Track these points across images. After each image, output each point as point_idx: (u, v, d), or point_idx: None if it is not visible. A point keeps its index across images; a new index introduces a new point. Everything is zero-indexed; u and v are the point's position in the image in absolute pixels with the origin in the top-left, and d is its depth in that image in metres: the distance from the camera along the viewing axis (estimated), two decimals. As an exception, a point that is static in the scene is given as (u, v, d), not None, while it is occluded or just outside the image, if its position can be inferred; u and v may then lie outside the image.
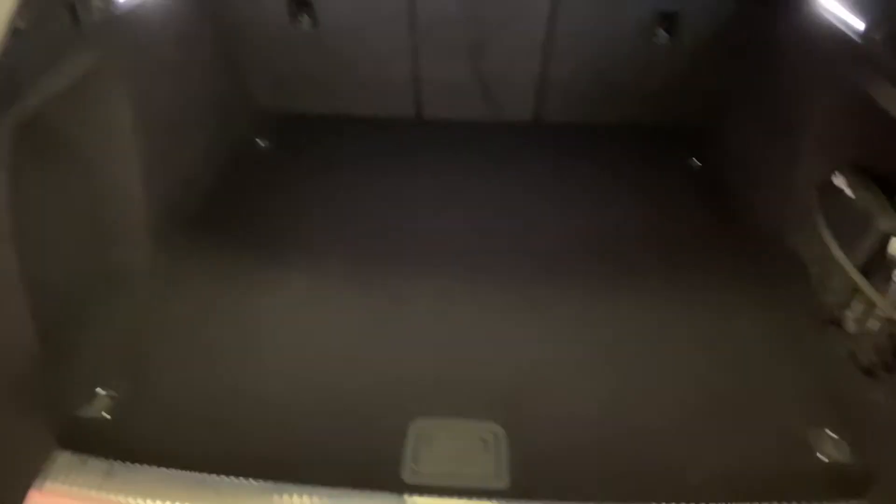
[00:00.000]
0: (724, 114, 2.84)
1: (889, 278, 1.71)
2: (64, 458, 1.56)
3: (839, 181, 1.99)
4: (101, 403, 1.73)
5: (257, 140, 2.94)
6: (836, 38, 2.06)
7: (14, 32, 1.40)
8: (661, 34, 2.70)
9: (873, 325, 1.78)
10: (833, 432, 1.75)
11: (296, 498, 1.53)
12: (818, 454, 1.71)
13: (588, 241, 2.44)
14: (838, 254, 1.86)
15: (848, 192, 1.94)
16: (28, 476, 1.52)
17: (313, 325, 2.07)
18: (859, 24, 1.96)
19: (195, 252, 2.31)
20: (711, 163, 2.85)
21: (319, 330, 2.04)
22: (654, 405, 1.84)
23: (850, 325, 1.87)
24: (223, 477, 1.57)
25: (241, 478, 1.57)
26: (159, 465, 1.58)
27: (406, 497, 1.55)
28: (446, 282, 2.22)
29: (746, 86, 2.68)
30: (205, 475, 1.57)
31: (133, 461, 1.58)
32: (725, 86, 2.80)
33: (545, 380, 1.90)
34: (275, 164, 2.84)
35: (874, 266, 1.80)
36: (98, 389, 1.76)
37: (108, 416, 1.71)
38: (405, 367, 1.92)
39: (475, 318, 2.09)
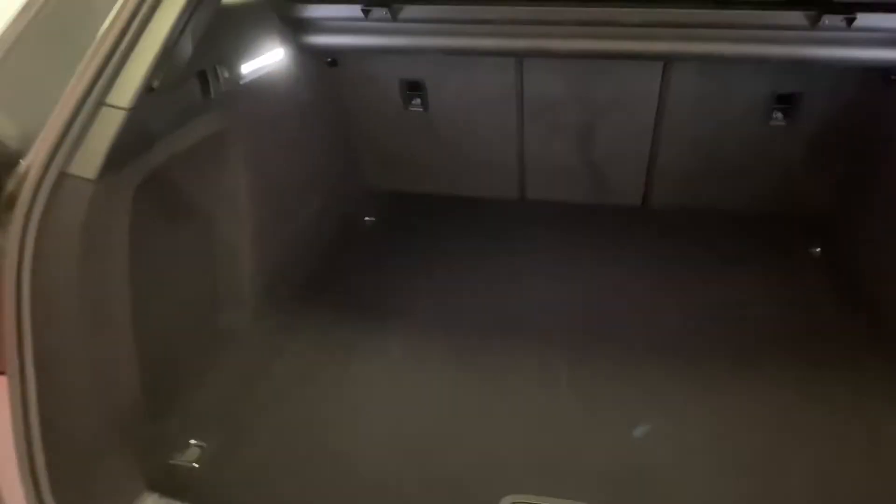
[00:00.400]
0: (849, 200, 2.66)
1: None
2: (151, 500, 1.56)
3: None
4: (192, 454, 1.75)
5: (364, 216, 3.01)
6: None
7: (147, 90, 1.51)
8: (778, 116, 2.60)
9: None
10: None
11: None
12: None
13: (702, 327, 2.30)
14: None
15: None
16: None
17: (409, 393, 2.04)
18: None
19: (298, 319, 2.35)
20: (834, 252, 2.67)
21: (415, 399, 2.01)
22: None
23: None
24: None
25: None
26: None
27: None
28: (547, 360, 2.15)
29: (873, 170, 2.52)
30: None
31: None
32: (849, 170, 2.65)
33: (647, 467, 1.76)
34: (379, 239, 2.90)
35: None
36: (191, 441, 1.78)
37: (197, 466, 1.72)
38: (500, 442, 1.84)
39: (575, 399, 2.00)
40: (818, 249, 2.72)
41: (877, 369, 2.06)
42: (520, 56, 2.56)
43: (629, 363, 2.13)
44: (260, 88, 2.23)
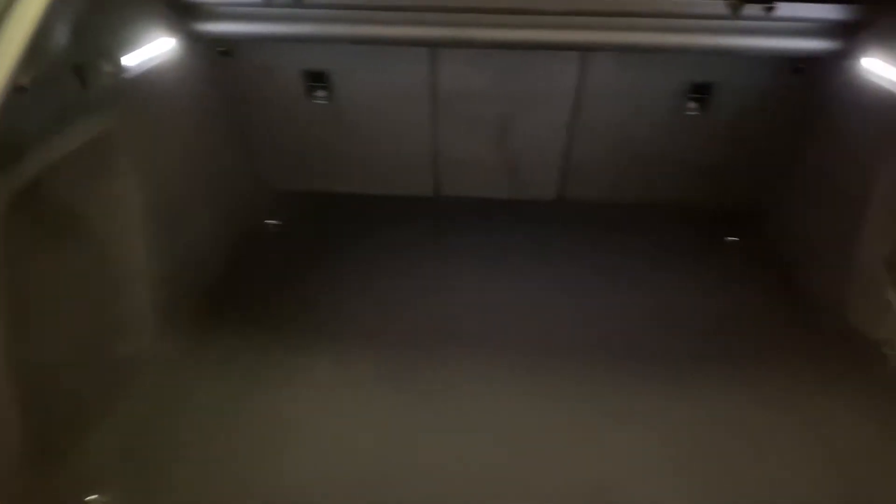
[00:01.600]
0: (763, 188, 2.70)
1: None
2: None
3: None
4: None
5: (268, 220, 2.78)
6: (893, 103, 1.93)
7: (15, 89, 1.27)
8: (693, 107, 2.59)
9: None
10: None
11: None
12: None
13: (637, 327, 2.26)
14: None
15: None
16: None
17: (343, 421, 1.86)
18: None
19: (205, 341, 2.12)
20: (753, 240, 2.70)
21: (351, 427, 1.84)
22: None
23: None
24: None
25: None
26: None
27: None
28: (489, 370, 2.04)
29: (789, 158, 2.56)
30: None
31: None
32: (762, 159, 2.68)
33: (605, 479, 1.69)
34: (286, 244, 2.68)
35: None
36: (91, 497, 1.53)
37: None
38: (450, 466, 1.71)
39: (523, 412, 1.89)
40: (736, 239, 2.74)
41: (807, 360, 2.08)
42: (434, 46, 2.41)
43: (574, 369, 2.05)
44: (147, 83, 1.97)
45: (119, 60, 1.81)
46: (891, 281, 1.86)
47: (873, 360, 1.97)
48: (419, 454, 1.74)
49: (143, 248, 1.96)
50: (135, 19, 1.94)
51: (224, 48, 2.46)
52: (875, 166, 2.03)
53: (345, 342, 2.14)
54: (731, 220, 2.80)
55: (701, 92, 2.54)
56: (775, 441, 1.81)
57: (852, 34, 2.13)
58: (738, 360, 2.11)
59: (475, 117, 2.67)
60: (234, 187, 2.66)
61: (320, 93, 2.61)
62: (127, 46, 1.87)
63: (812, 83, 2.41)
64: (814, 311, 2.24)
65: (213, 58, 2.44)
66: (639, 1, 2.14)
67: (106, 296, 1.85)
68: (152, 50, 2.00)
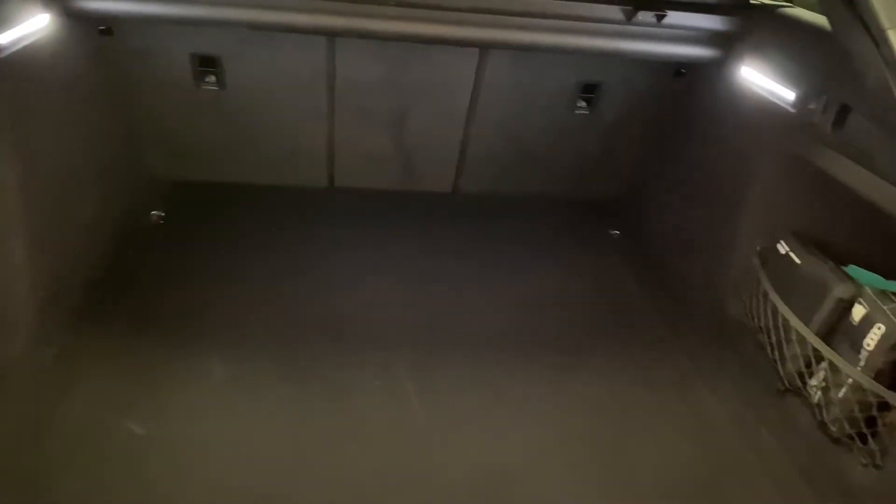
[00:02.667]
0: (645, 184, 2.85)
1: (853, 346, 1.69)
2: None
3: (784, 248, 1.99)
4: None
5: (152, 211, 2.62)
6: (765, 107, 2.09)
7: None
8: (582, 105, 2.69)
9: (838, 393, 1.74)
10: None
11: None
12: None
13: (528, 319, 2.32)
14: (797, 323, 1.83)
15: (795, 259, 1.94)
16: None
17: (242, 429, 1.77)
18: (789, 94, 2.00)
19: (86, 343, 1.95)
20: (634, 233, 2.85)
21: (251, 436, 1.75)
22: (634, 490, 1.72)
23: (814, 394, 1.83)
24: None
25: None
26: None
27: None
28: (388, 369, 2.01)
29: (668, 156, 2.72)
30: None
31: None
32: (645, 157, 2.83)
33: (506, 470, 1.73)
34: (172, 237, 2.52)
35: (835, 334, 1.78)
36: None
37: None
38: (355, 469, 1.68)
39: (425, 409, 1.89)
40: (617, 232, 2.88)
41: (687, 346, 2.23)
42: (333, 35, 2.36)
43: (469, 363, 2.07)
44: (22, 64, 1.79)
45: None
46: (764, 273, 2.01)
47: (746, 345, 2.14)
48: (318, 455, 1.71)
49: (23, 241, 1.79)
50: None
51: (104, 27, 2.29)
52: (748, 165, 2.19)
53: (235, 343, 2.03)
54: (613, 213, 2.95)
55: (590, 91, 2.65)
56: (663, 419, 1.94)
57: (730, 43, 2.29)
58: (622, 346, 2.23)
59: (372, 108, 2.64)
60: (117, 177, 2.48)
61: (210, 78, 2.49)
62: (-1, 23, 1.70)
63: (693, 86, 2.57)
64: (690, 301, 2.40)
65: (94, 37, 2.27)
66: (539, 2, 2.18)
67: None
68: (27, 27, 1.82)
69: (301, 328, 2.14)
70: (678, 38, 2.29)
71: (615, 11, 2.16)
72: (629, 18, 2.16)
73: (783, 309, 1.89)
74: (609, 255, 2.75)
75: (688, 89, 2.60)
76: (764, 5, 2.24)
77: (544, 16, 2.19)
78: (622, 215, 2.95)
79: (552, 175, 2.96)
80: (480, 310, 2.34)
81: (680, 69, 2.60)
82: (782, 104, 2.02)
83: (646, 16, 2.16)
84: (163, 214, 2.62)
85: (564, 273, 2.61)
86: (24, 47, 1.79)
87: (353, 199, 2.87)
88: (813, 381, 1.84)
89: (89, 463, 1.60)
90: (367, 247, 2.60)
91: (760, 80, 2.14)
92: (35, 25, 1.86)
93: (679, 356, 2.19)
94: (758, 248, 2.10)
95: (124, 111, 2.48)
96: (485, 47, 2.44)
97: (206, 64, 2.44)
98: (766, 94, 2.10)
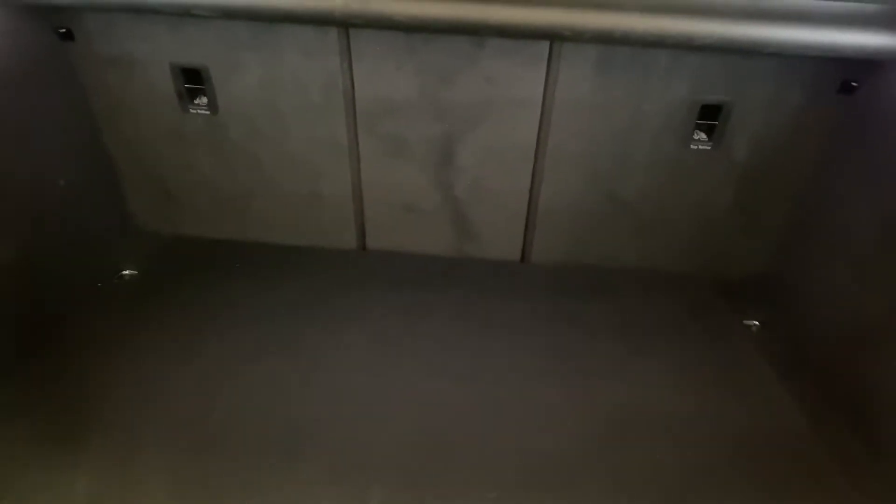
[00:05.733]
0: (799, 254, 1.97)
1: None
2: None
3: None
4: None
5: (123, 269, 2.04)
6: None
7: None
8: (700, 137, 1.90)
9: None
10: None
11: None
12: None
13: (608, 436, 1.53)
14: None
15: None
16: None
17: None
18: None
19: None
20: (782, 325, 1.95)
21: None
22: None
23: None
24: None
25: None
26: None
27: None
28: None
29: (834, 213, 1.84)
30: None
31: None
32: (800, 213, 1.97)
33: None
34: (141, 302, 1.92)
35: None
36: None
37: None
38: None
39: None
40: (756, 322, 1.99)
41: None
42: (345, 25, 1.74)
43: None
44: None
45: None
46: None
47: None
48: None
49: None
50: None
51: (64, 28, 1.80)
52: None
53: (191, 448, 1.43)
54: (750, 295, 2.06)
55: (713, 116, 1.86)
56: None
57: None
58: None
59: (406, 137, 1.97)
60: (84, 220, 1.95)
61: (201, 100, 1.94)
62: None
63: (869, 107, 1.73)
64: (877, 430, 1.48)
65: (50, 42, 1.79)
66: None
67: None
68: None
69: (269, 438, 1.48)
70: (852, 18, 1.50)
71: None
72: None
73: None
74: (743, 356, 1.86)
75: (862, 112, 1.75)
76: None
77: None
78: (763, 298, 2.04)
79: (659, 239, 2.12)
80: (535, 434, 1.54)
81: (850, 81, 1.76)
82: None
83: None
84: (136, 273, 2.04)
85: (675, 380, 1.75)
86: None
87: (386, 266, 2.16)
88: None
89: None
90: (392, 332, 1.87)
91: None
92: None
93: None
94: None
95: (94, 139, 1.97)
96: (555, 38, 1.73)
97: (192, 79, 1.89)
98: None
